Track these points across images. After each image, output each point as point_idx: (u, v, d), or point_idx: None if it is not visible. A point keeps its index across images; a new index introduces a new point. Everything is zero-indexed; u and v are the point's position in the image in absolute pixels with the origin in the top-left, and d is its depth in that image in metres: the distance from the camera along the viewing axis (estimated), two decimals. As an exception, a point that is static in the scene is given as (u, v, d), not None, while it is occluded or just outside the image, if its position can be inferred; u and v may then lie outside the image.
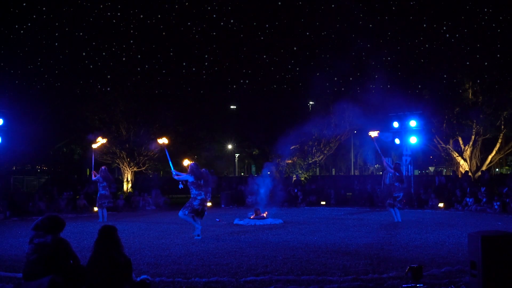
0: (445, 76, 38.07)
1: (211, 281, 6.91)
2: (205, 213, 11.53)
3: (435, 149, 25.38)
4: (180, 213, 11.41)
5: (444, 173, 35.34)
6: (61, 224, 5.98)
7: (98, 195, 16.13)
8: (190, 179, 11.35)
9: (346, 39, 36.51)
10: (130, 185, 25.09)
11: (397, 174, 14.10)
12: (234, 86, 38.34)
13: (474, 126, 23.45)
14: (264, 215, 14.90)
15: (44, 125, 26.46)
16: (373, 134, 14.64)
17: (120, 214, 18.86)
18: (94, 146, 15.47)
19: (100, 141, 16.01)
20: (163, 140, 12.71)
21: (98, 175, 16.01)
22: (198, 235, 11.28)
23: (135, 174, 24.70)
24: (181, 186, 11.94)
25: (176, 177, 11.69)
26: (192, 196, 11.39)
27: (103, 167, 16.37)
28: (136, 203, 21.04)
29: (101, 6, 32.08)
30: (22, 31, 28.15)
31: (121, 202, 20.59)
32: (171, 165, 12.28)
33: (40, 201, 19.36)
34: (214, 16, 35.55)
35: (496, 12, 29.21)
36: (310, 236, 11.48)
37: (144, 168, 25.33)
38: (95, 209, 19.19)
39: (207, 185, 11.83)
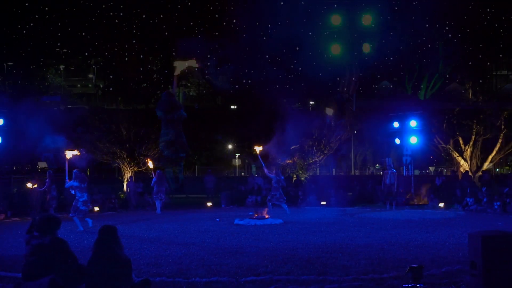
0: (447, 76, 37.96)
1: (211, 281, 6.91)
2: (88, 212, 13.40)
3: (435, 149, 25.37)
4: (71, 215, 13.06)
5: (444, 173, 35.27)
6: (57, 223, 5.86)
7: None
8: (75, 184, 12.99)
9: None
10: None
11: (275, 177, 16.73)
12: (237, 86, 38.36)
13: (474, 126, 23.43)
14: (265, 215, 14.86)
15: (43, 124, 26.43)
16: (258, 149, 16.93)
17: (119, 214, 18.84)
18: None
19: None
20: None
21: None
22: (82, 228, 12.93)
23: (135, 174, 24.59)
24: (72, 191, 13.23)
25: (66, 185, 13.14)
26: (76, 198, 13.05)
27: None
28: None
29: (103, 6, 32.15)
30: (24, 31, 28.18)
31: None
32: (66, 176, 13.03)
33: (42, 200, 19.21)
34: (216, 16, 35.60)
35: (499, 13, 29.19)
36: (310, 236, 11.48)
37: (144, 168, 25.27)
38: (96, 209, 19.18)
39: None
